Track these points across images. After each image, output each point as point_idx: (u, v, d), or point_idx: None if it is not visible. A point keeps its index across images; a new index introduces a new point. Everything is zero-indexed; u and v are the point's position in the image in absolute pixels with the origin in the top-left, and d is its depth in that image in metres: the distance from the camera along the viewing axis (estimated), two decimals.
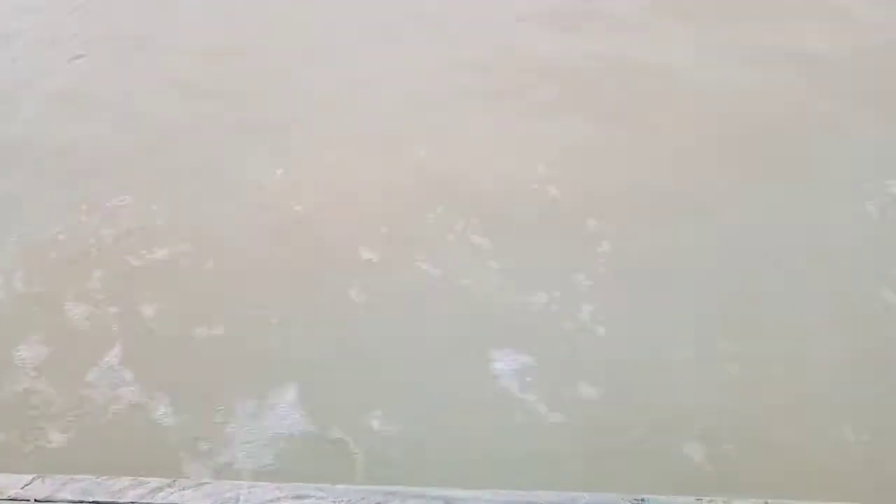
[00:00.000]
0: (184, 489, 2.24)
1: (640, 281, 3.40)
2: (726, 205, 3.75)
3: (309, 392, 2.96)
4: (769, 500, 2.20)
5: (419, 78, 4.77)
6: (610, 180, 3.94)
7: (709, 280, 3.38)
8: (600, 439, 2.80)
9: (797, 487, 2.55)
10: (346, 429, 2.82)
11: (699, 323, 3.21)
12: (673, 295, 3.33)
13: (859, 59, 4.70)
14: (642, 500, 2.16)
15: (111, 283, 3.52)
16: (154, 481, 2.28)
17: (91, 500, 2.23)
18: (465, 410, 2.88)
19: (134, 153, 4.33)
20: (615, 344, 3.13)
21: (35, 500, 2.24)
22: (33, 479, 2.33)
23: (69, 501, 2.24)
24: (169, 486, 2.25)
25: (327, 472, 2.61)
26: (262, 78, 4.88)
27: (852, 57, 4.71)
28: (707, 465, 2.71)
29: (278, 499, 2.17)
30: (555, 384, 2.97)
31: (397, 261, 3.55)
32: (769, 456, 2.72)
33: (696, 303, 3.29)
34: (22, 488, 2.30)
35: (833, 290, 3.31)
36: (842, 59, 4.69)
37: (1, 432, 2.92)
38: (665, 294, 3.34)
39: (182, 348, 3.20)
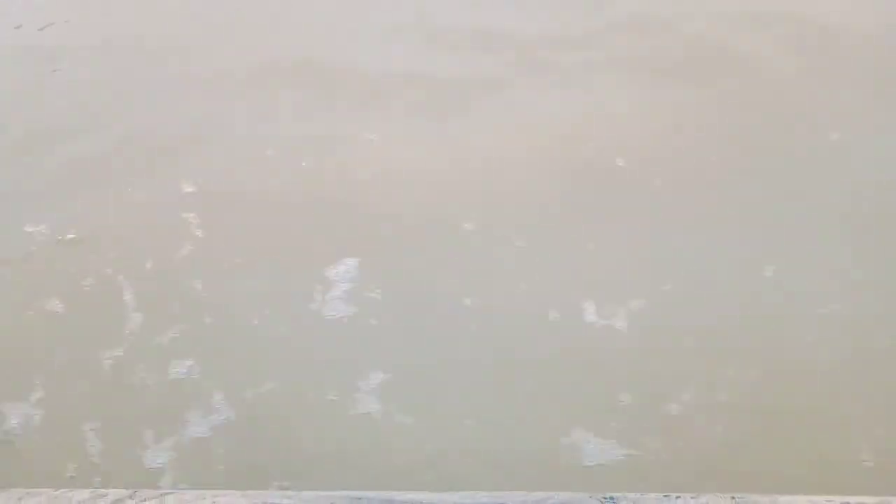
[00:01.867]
0: (145, 500, 2.18)
1: None
2: None
3: None
4: (735, 496, 2.22)
5: None
6: None
7: None
8: None
9: None
10: None
11: None
12: None
13: None
14: (611, 498, 2.16)
15: None
16: (113, 493, 2.22)
17: None
18: None
19: None
20: None
21: None
22: None
23: None
24: (129, 497, 2.20)
25: None
26: None
27: None
28: None
29: None
30: None
31: None
32: None
33: None
34: None
35: None
36: None
37: None
38: None
39: None
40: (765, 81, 4.54)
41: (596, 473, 2.75)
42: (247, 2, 5.57)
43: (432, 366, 3.12)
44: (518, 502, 2.17)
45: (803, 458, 2.76)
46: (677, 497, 2.18)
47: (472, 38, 5.05)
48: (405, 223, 3.77)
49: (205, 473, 2.74)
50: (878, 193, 3.74)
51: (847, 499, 2.17)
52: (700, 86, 4.53)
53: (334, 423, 2.93)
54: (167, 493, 2.21)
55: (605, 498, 2.17)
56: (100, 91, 4.83)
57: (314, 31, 5.21)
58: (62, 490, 2.25)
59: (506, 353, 3.15)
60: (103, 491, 2.24)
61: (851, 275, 3.36)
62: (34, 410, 3.01)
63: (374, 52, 4.97)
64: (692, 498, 2.18)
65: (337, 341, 3.24)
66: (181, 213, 3.88)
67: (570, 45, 4.88)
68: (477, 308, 3.33)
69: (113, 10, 5.67)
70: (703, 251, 3.53)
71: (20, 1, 5.80)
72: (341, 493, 2.17)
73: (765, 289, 3.35)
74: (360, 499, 2.15)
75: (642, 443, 2.84)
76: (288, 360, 3.17)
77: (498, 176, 4.02)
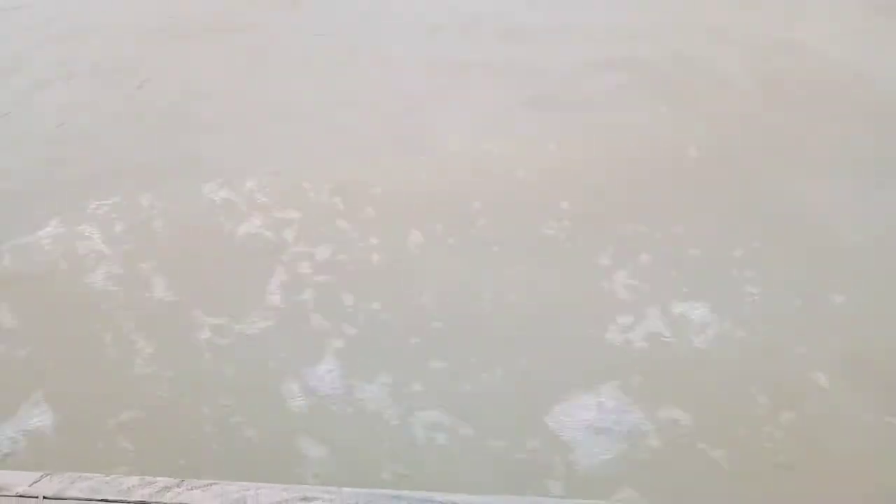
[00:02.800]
0: (192, 489, 2.25)
1: None
2: None
3: None
4: None
5: None
6: None
7: None
8: None
9: None
10: None
11: None
12: None
13: None
14: None
15: None
16: (162, 480, 2.30)
17: (99, 498, 2.24)
18: None
19: None
20: None
21: (44, 497, 2.26)
22: (41, 476, 2.34)
23: (77, 499, 2.25)
24: (177, 485, 2.27)
25: None
26: None
27: None
28: None
29: (286, 500, 2.19)
30: None
31: None
32: None
33: None
34: (30, 486, 2.31)
35: None
36: None
37: None
38: None
39: None
40: None
41: None
42: None
43: None
44: None
45: None
46: None
47: None
48: None
49: None
50: None
51: None
52: None
53: None
54: (213, 484, 2.27)
55: None
56: None
57: None
58: (113, 476, 2.33)
59: None
60: (151, 478, 2.32)
61: None
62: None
63: None
64: None
65: None
66: None
67: None
68: None
69: None
70: None
71: None
72: (381, 491, 2.22)
73: None
74: (399, 497, 2.20)
75: None
76: None
77: None
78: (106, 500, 2.24)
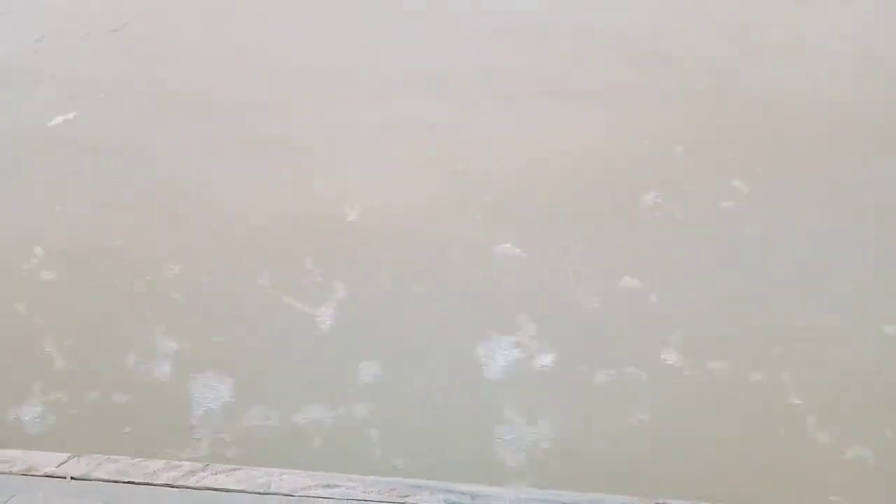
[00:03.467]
0: (216, 473, 2.30)
1: None
2: None
3: None
4: None
5: None
6: None
7: None
8: None
9: None
10: None
11: None
12: None
13: None
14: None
15: None
16: (187, 465, 2.35)
17: (126, 480, 2.29)
18: None
19: None
20: None
21: (71, 478, 2.31)
22: (69, 458, 2.40)
23: (104, 480, 2.30)
24: (202, 469, 2.32)
25: None
26: None
27: None
28: None
29: (309, 486, 2.24)
30: None
31: None
32: None
33: None
34: (57, 466, 2.37)
35: None
36: None
37: None
38: None
39: None
40: None
41: None
42: None
43: None
44: (572, 501, 2.24)
45: None
46: None
47: None
48: None
49: None
50: None
51: None
52: None
53: None
54: (237, 469, 2.32)
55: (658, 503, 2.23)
56: None
57: None
58: (138, 459, 2.38)
59: None
60: (177, 462, 2.37)
61: None
62: None
63: None
64: None
65: None
66: None
67: None
68: None
69: None
70: None
71: None
72: (403, 480, 2.27)
73: None
74: (419, 486, 2.24)
75: None
76: None
77: None
78: (132, 482, 2.29)
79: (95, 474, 2.32)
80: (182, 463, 2.35)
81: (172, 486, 2.27)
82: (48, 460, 2.39)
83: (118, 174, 4.14)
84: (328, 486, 2.23)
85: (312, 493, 2.21)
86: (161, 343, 3.17)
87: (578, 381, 2.98)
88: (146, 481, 2.29)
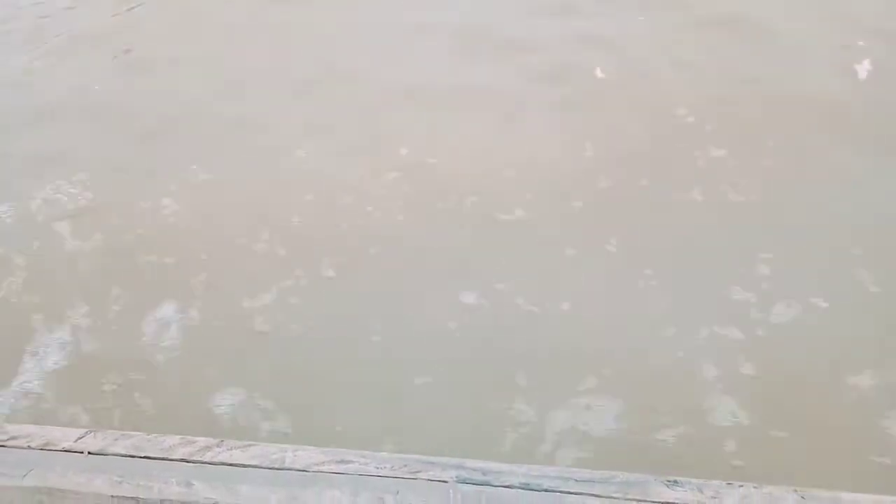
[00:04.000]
0: (231, 449, 2.32)
1: None
2: None
3: None
4: (798, 489, 2.25)
5: None
6: None
7: None
8: None
9: None
10: None
11: None
12: None
13: None
14: (675, 481, 2.22)
15: None
16: (202, 440, 2.37)
17: (142, 455, 2.32)
18: None
19: None
20: None
21: (88, 453, 2.34)
22: (86, 433, 2.42)
23: (121, 455, 2.33)
24: (217, 445, 2.34)
25: None
26: None
27: None
28: None
29: (322, 462, 2.25)
30: None
31: None
32: None
33: None
34: (75, 441, 2.39)
35: None
36: None
37: None
38: None
39: None
40: None
41: None
42: None
43: None
44: (584, 478, 2.24)
45: None
46: (740, 485, 2.23)
47: None
48: None
49: None
50: None
51: None
52: None
53: None
54: (252, 445, 2.34)
55: (669, 481, 2.23)
56: None
57: None
58: (154, 434, 2.40)
59: None
60: (192, 438, 2.39)
61: None
62: None
63: None
64: (755, 488, 2.23)
65: None
66: None
67: None
68: None
69: None
70: None
71: None
72: (415, 457, 2.28)
73: None
74: (432, 462, 2.25)
75: None
76: None
77: None
78: (148, 457, 2.31)
79: (112, 449, 2.35)
80: (197, 438, 2.37)
81: (188, 462, 2.29)
82: (65, 435, 2.41)
83: None
84: (341, 461, 2.25)
85: (326, 468, 2.23)
86: None
87: None
88: (162, 456, 2.32)
